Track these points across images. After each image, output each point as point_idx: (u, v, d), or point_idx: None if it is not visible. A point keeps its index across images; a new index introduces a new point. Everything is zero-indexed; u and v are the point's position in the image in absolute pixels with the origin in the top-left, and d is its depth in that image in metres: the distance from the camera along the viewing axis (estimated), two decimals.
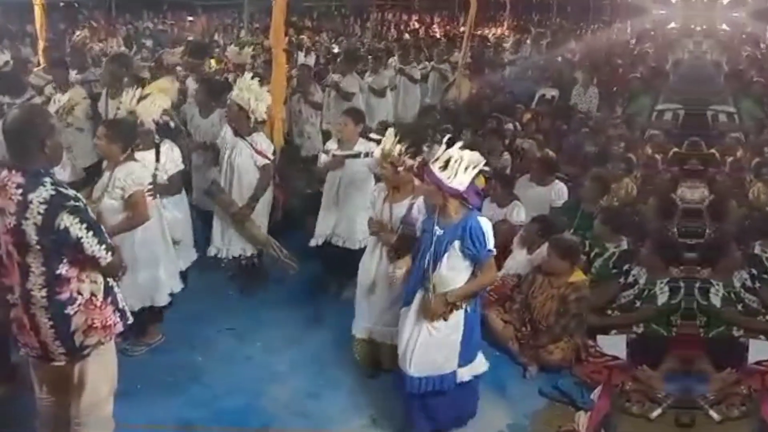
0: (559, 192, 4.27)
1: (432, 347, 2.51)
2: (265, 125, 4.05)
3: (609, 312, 3.42)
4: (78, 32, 8.58)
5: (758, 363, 2.91)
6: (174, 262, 3.21)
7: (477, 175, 4.08)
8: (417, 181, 2.82)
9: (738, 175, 4.70)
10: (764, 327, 3.11)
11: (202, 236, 3.78)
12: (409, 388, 2.54)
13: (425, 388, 2.54)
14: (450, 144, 2.45)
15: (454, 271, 2.47)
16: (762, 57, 10.11)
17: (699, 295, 3.14)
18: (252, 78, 3.59)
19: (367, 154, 3.43)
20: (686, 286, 3.12)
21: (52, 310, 2.00)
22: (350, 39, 12.36)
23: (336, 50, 9.85)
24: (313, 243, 3.69)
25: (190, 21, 13.95)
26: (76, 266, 2.00)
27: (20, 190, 1.90)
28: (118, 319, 2.14)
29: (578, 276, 3.26)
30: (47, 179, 1.93)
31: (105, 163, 3.00)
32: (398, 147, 2.75)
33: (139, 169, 2.90)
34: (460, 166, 2.38)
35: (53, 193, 1.91)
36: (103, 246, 2.00)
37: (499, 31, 14.58)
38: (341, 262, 3.70)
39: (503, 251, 3.54)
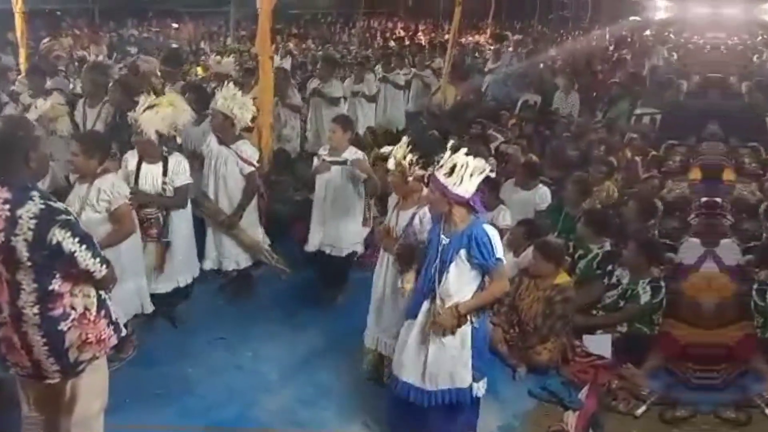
0: (543, 195, 4.36)
1: (444, 360, 2.42)
2: (251, 133, 4.08)
3: (594, 312, 3.50)
4: (45, 40, 8.44)
5: None
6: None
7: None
8: (425, 192, 2.75)
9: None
10: None
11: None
12: (424, 401, 2.44)
13: (441, 401, 2.44)
14: (455, 149, 2.37)
15: (460, 282, 2.38)
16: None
17: (756, 297, 3.20)
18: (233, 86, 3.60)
19: (353, 162, 3.45)
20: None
21: (46, 327, 1.95)
22: (337, 46, 12.43)
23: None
24: (308, 248, 3.71)
25: (176, 28, 13.86)
26: (68, 281, 1.96)
27: (8, 206, 1.84)
28: (112, 332, 2.11)
29: (563, 278, 3.33)
30: (35, 193, 1.89)
31: (74, 176, 2.97)
32: (409, 156, 2.69)
33: (120, 181, 2.91)
34: (465, 173, 2.31)
35: (43, 207, 1.87)
36: (98, 259, 1.96)
37: (482, 39, 14.78)
38: (331, 270, 3.72)
39: None
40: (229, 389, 3.04)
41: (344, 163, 3.49)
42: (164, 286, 3.28)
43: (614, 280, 3.49)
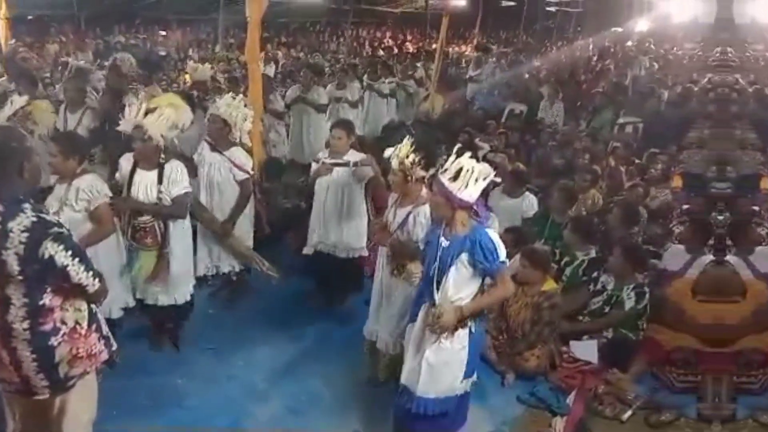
0: (529, 203, 4.42)
1: (440, 367, 2.41)
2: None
3: (580, 318, 3.56)
4: (11, 41, 8.33)
5: None
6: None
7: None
8: (424, 192, 2.80)
9: None
10: None
11: None
12: (415, 408, 2.43)
13: (432, 410, 2.43)
14: (460, 153, 2.34)
15: (459, 286, 2.36)
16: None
17: None
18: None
19: (356, 164, 3.48)
20: None
21: (35, 342, 1.90)
22: (326, 55, 12.49)
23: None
24: (306, 251, 3.69)
25: (163, 35, 13.80)
26: (60, 295, 1.93)
27: None
28: (103, 347, 2.08)
29: (550, 284, 3.38)
30: (27, 205, 1.84)
31: (54, 177, 2.89)
32: (411, 157, 2.70)
33: (100, 180, 2.87)
34: (471, 177, 2.28)
35: (35, 220, 1.82)
36: (90, 272, 1.93)
37: (468, 48, 14.99)
38: (330, 272, 3.70)
39: None
40: (220, 400, 3.01)
41: (347, 164, 3.49)
42: (162, 300, 3.16)
43: (599, 286, 3.55)
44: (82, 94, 4.21)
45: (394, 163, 2.76)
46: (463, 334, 2.40)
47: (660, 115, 7.12)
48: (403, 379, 2.54)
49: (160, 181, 2.99)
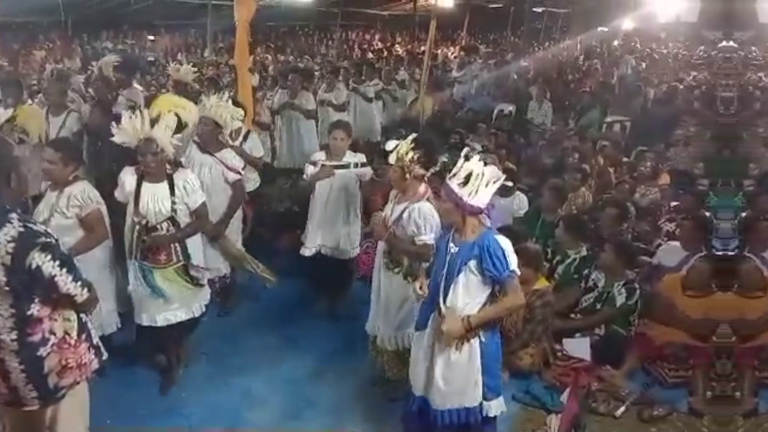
0: (520, 203, 4.45)
1: (452, 377, 2.34)
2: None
3: (573, 316, 3.58)
4: None
5: None
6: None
7: None
8: (421, 189, 2.80)
9: None
10: None
11: None
12: (433, 421, 2.37)
13: (450, 421, 2.36)
14: (468, 157, 2.27)
15: (468, 294, 2.28)
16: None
17: None
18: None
19: (356, 165, 3.46)
20: None
21: (23, 353, 1.89)
22: (315, 58, 12.48)
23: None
24: (306, 253, 3.66)
25: (152, 40, 13.70)
26: (48, 305, 1.90)
27: None
28: (93, 356, 2.06)
29: (542, 283, 3.40)
30: (14, 215, 1.83)
31: (46, 184, 2.82)
32: (411, 154, 2.69)
33: (92, 187, 2.82)
34: (481, 182, 2.21)
35: (22, 230, 1.81)
36: (79, 282, 1.91)
37: (456, 50, 15.07)
38: (332, 275, 3.68)
39: None
40: (215, 407, 2.98)
41: (347, 166, 3.49)
42: (179, 316, 2.96)
43: (591, 283, 3.58)
44: (64, 97, 4.20)
45: (393, 158, 2.76)
46: (473, 345, 2.31)
47: (647, 113, 7.21)
48: (415, 388, 2.48)
49: (172, 192, 2.81)
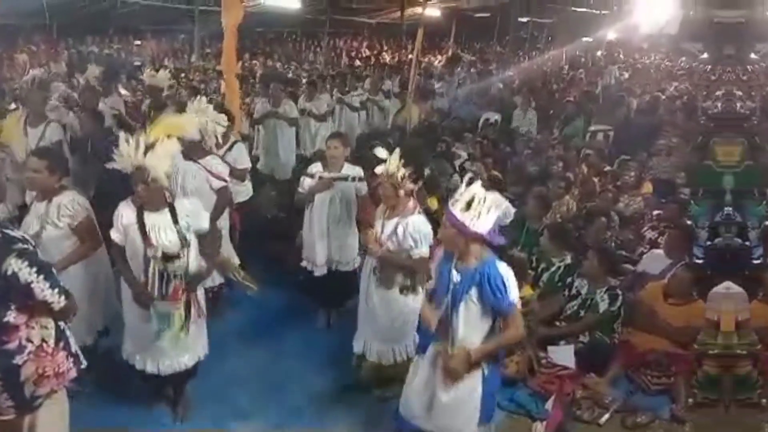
0: (507, 211, 4.46)
1: (453, 407, 2.31)
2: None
3: (557, 323, 3.61)
4: None
5: None
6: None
7: (433, 196, 4.21)
8: (411, 204, 2.83)
9: None
10: None
11: None
12: None
13: None
14: (470, 182, 2.23)
15: (469, 325, 2.23)
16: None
17: None
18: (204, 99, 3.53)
19: (354, 178, 3.45)
20: None
21: None
22: (303, 65, 12.48)
23: (290, 76, 9.91)
24: (317, 272, 3.59)
25: (138, 45, 13.59)
26: (25, 313, 1.89)
27: None
28: (72, 365, 2.04)
29: (527, 291, 3.42)
30: None
31: (31, 195, 2.78)
32: (402, 170, 2.74)
33: (80, 196, 2.79)
34: (483, 207, 2.16)
35: None
36: (56, 290, 1.89)
37: (443, 58, 15.21)
38: (338, 286, 3.64)
39: None
40: (200, 417, 2.93)
41: (346, 179, 3.47)
42: (185, 361, 2.74)
43: (574, 290, 3.61)
44: (44, 106, 4.13)
45: (381, 170, 2.78)
46: (475, 376, 2.29)
47: (629, 123, 7.33)
48: (407, 414, 2.44)
49: (175, 220, 2.54)
